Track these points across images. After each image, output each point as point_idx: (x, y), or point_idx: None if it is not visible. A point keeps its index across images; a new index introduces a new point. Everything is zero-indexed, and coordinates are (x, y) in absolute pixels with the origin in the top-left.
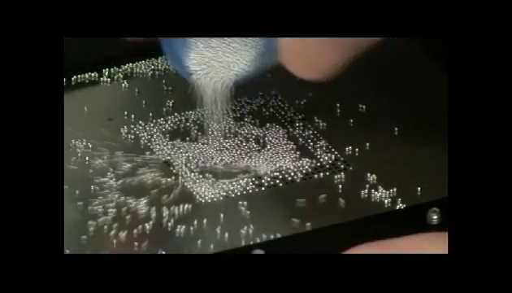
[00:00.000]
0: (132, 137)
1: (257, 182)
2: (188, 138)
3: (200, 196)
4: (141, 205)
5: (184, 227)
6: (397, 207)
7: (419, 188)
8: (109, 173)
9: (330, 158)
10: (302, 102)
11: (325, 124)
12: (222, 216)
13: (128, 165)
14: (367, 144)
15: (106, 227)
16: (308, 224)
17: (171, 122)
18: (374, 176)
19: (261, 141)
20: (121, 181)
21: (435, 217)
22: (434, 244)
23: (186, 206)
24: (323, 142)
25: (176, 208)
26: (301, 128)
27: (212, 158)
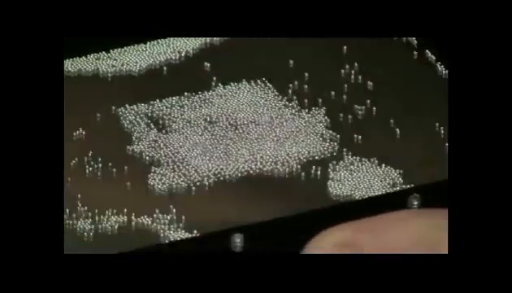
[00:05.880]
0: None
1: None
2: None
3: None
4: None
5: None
6: (379, 192)
7: (402, 173)
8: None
9: (323, 146)
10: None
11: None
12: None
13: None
14: (359, 136)
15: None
16: (290, 208)
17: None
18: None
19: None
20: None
21: (415, 203)
22: (415, 220)
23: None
24: (318, 130)
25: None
26: (296, 117)
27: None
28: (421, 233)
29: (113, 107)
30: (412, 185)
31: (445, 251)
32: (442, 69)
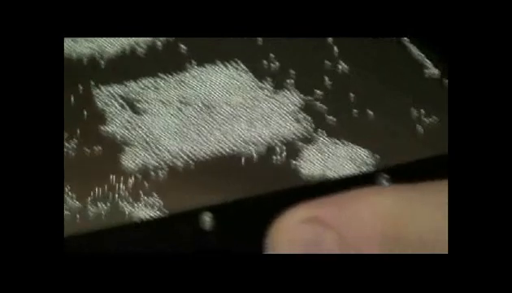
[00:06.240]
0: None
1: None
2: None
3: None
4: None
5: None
6: (350, 173)
7: (373, 154)
8: None
9: (296, 127)
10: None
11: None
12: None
13: None
14: (333, 118)
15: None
16: (261, 188)
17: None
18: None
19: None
20: None
21: (384, 183)
22: (380, 195)
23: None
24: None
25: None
26: (270, 99)
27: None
28: (385, 207)
29: (88, 88)
30: (382, 166)
31: (414, 229)
32: (417, 51)
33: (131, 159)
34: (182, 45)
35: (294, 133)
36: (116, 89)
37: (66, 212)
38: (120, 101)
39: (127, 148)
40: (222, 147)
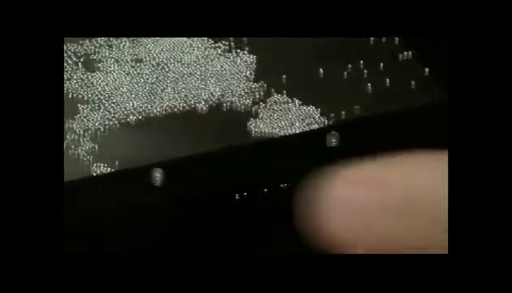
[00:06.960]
0: None
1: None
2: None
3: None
4: None
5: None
6: (300, 130)
7: (323, 112)
8: None
9: (247, 86)
10: None
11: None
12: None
13: None
14: (284, 76)
15: None
16: (212, 145)
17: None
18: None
19: None
20: None
21: (334, 141)
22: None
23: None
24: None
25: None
26: (222, 57)
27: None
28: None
29: None
30: (331, 123)
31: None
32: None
33: (84, 117)
34: None
35: (246, 91)
36: (70, 47)
37: None
38: (74, 59)
39: (80, 105)
40: (174, 104)
